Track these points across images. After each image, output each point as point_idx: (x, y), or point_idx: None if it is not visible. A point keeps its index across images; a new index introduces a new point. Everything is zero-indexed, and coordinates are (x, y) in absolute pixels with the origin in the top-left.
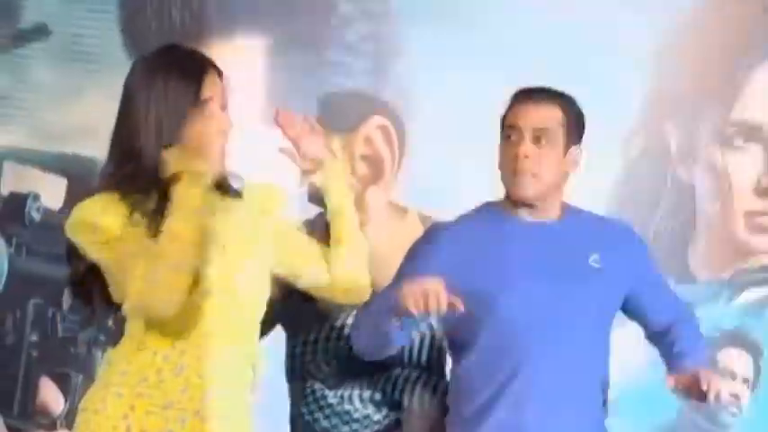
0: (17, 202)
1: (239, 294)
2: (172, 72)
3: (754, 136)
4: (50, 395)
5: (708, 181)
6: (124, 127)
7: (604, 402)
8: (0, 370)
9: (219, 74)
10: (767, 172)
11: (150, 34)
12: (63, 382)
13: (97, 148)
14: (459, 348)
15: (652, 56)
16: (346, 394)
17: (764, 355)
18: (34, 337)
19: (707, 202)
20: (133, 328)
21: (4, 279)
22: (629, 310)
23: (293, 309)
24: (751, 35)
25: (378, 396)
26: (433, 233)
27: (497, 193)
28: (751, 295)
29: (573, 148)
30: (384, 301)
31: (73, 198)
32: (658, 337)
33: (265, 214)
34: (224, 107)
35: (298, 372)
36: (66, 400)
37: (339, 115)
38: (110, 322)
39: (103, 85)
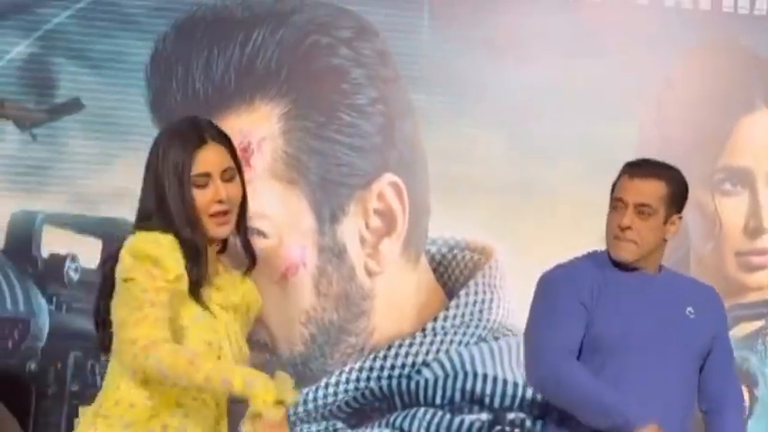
0: (56, 263)
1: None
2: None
3: (742, 180)
4: None
5: (700, 223)
6: None
7: None
8: (43, 418)
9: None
10: (755, 214)
11: (175, 105)
12: None
13: (128, 211)
14: None
15: (644, 107)
16: None
17: (759, 385)
18: (75, 388)
19: (700, 242)
20: None
21: (46, 334)
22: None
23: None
24: (737, 87)
25: None
26: (566, 274)
27: (505, 238)
28: (744, 329)
29: (673, 218)
30: (605, 408)
31: None
32: (706, 412)
33: (248, 313)
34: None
35: (320, 412)
36: None
37: (353, 172)
38: None
39: (133, 154)
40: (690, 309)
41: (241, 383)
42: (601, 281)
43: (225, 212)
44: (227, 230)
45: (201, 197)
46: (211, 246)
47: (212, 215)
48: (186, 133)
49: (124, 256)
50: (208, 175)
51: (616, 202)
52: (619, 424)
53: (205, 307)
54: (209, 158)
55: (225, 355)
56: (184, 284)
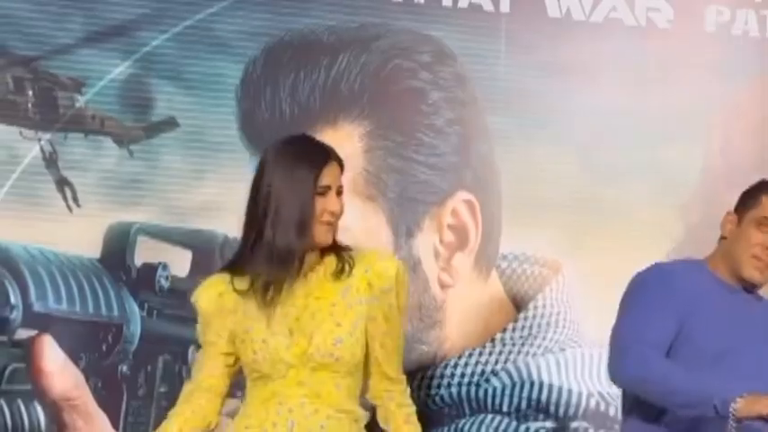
0: (149, 272)
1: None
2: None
3: None
4: None
5: None
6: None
7: None
8: (133, 419)
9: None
10: None
11: (263, 124)
12: None
13: (217, 223)
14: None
15: (710, 132)
16: None
17: None
18: (163, 389)
19: None
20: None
21: (137, 338)
22: None
23: None
24: None
25: None
26: (664, 275)
27: (573, 255)
28: None
29: None
30: (700, 394)
31: (197, 267)
32: None
33: (371, 289)
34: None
35: None
36: None
37: (429, 190)
38: None
39: (222, 170)
40: None
41: None
42: (700, 290)
43: (332, 223)
44: (331, 238)
45: (320, 205)
46: (308, 254)
47: (323, 222)
48: (316, 149)
49: None
50: (329, 187)
51: (765, 221)
52: (709, 409)
53: (265, 310)
54: (333, 173)
55: (275, 351)
56: (222, 318)
